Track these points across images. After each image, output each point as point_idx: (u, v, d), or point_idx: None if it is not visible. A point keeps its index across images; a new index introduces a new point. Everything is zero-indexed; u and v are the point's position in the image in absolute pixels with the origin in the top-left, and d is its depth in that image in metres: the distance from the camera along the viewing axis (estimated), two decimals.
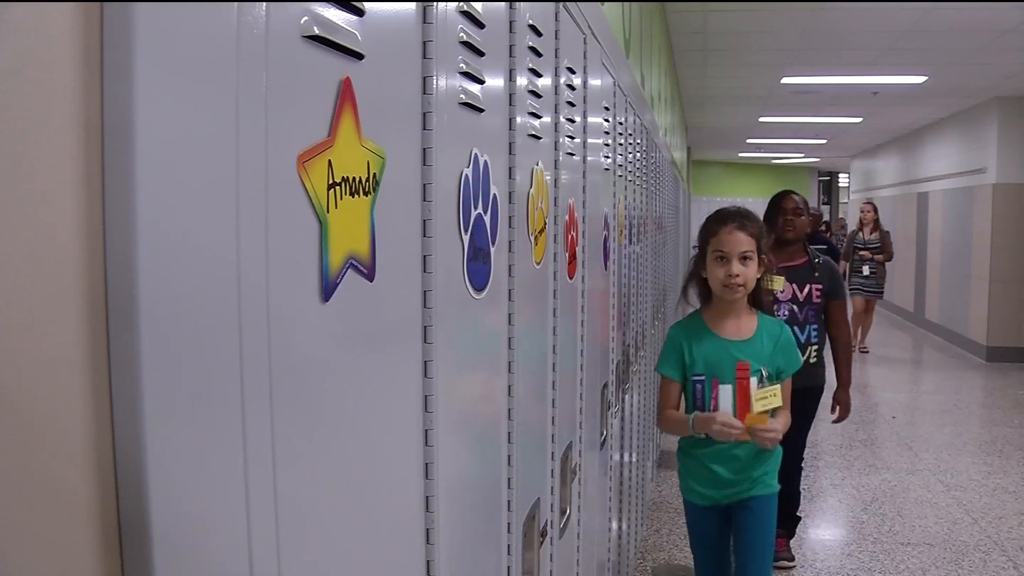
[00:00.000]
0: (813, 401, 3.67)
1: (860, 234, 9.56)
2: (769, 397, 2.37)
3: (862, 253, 9.43)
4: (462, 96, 0.95)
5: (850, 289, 9.14)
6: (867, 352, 9.55)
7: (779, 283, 3.32)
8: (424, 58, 0.84)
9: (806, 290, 3.54)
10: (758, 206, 3.50)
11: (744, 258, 2.35)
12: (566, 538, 1.69)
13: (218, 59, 0.50)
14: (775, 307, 3.15)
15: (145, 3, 0.43)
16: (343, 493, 0.68)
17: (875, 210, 9.63)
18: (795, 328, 3.32)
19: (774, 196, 3.77)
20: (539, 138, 1.38)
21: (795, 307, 3.52)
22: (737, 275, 2.34)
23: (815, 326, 3.55)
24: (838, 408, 3.82)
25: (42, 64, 0.40)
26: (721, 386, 2.38)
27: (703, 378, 2.41)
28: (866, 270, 9.41)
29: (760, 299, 2.51)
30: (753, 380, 2.37)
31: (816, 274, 3.58)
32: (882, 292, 9.65)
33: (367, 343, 0.73)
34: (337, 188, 0.63)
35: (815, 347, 3.56)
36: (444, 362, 0.89)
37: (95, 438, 0.43)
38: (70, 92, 0.41)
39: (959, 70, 7.95)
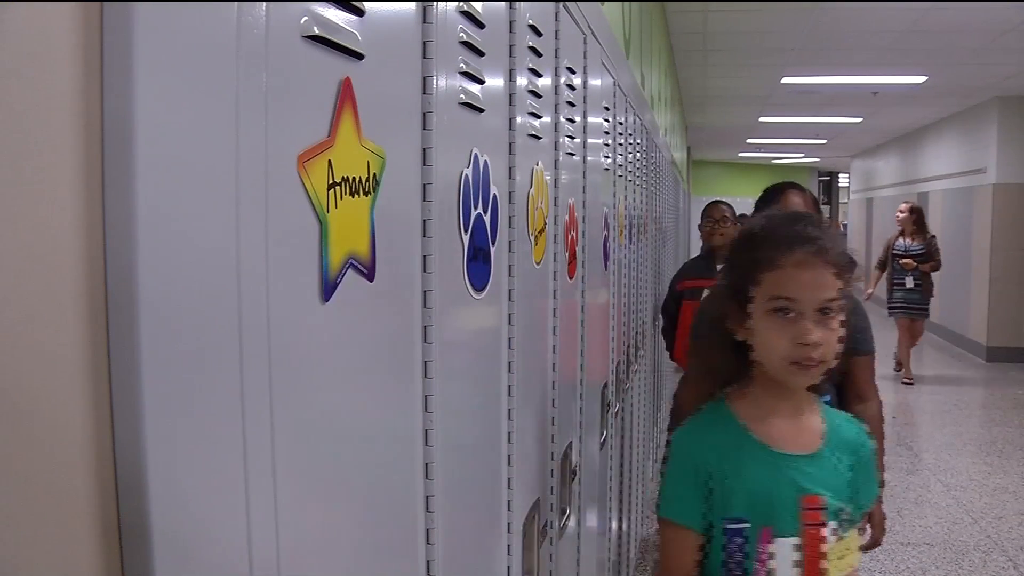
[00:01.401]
0: None
1: (901, 239, 8.02)
2: (847, 556, 1.37)
3: (904, 262, 7.85)
4: (462, 96, 0.95)
5: (890, 308, 8.08)
6: (911, 383, 8.03)
7: None
8: (424, 58, 0.84)
9: None
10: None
11: (827, 309, 1.29)
12: (566, 538, 1.69)
13: (218, 59, 0.50)
14: None
15: (145, 3, 0.43)
16: (343, 493, 0.68)
17: (913, 211, 8.07)
18: None
19: (768, 190, 2.45)
20: (539, 138, 1.38)
21: None
22: (818, 343, 1.28)
23: (827, 397, 2.13)
24: (869, 526, 2.25)
25: (42, 64, 0.40)
26: (776, 540, 1.33)
27: (745, 527, 1.33)
28: (909, 283, 7.82)
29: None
30: (829, 527, 1.34)
31: None
32: (927, 310, 8.03)
33: (367, 343, 0.73)
34: (337, 188, 0.63)
35: None
36: (444, 362, 0.89)
37: (95, 438, 0.43)
38: (70, 92, 0.41)
39: (959, 70, 7.95)
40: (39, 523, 0.40)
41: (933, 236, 8.09)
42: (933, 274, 7.98)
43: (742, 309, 1.35)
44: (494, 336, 1.16)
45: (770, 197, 2.38)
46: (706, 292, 3.68)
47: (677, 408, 2.39)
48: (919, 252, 7.88)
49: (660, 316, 4.62)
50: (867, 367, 2.30)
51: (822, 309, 1.29)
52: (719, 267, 3.63)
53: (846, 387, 2.23)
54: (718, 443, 1.37)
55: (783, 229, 1.35)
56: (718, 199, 4.28)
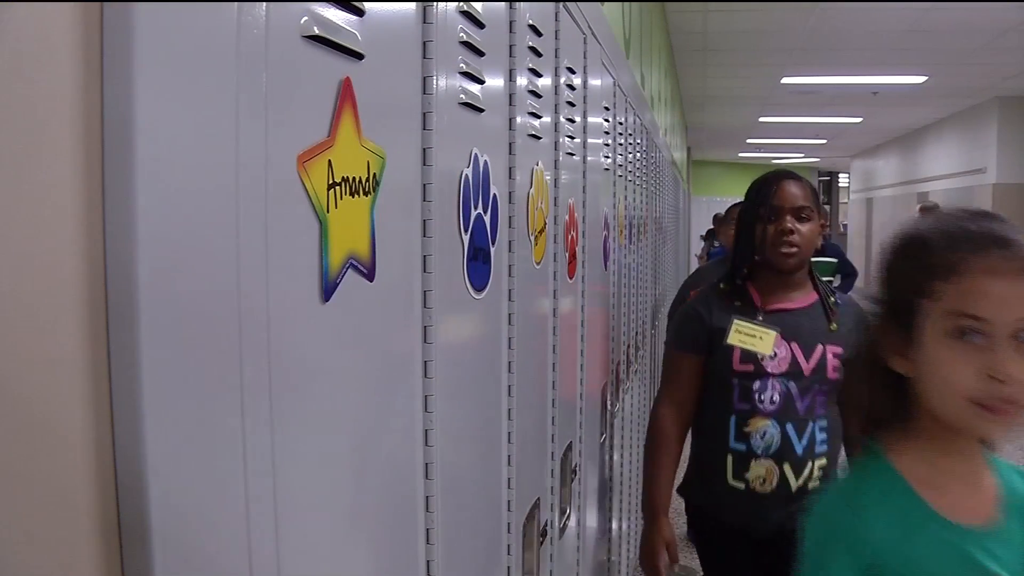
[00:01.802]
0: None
1: None
2: None
3: None
4: (462, 96, 0.95)
5: None
6: None
7: (768, 341, 1.89)
8: (424, 58, 0.84)
9: (816, 355, 1.91)
10: None
11: None
12: (566, 538, 1.69)
13: (218, 59, 0.50)
14: (754, 386, 1.89)
15: (145, 3, 0.43)
16: (343, 493, 0.68)
17: (921, 210, 7.44)
18: (788, 426, 1.87)
19: (758, 182, 2.04)
20: (539, 138, 1.38)
21: (792, 386, 1.89)
22: (1018, 380, 0.98)
23: (824, 423, 1.90)
24: None
25: (42, 64, 0.40)
26: None
27: None
28: None
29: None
30: None
31: (833, 325, 1.94)
32: None
33: (367, 343, 0.73)
34: (337, 188, 0.63)
35: (822, 463, 1.90)
36: (444, 362, 0.89)
37: (95, 438, 0.43)
38: (70, 92, 0.41)
39: (959, 70, 7.96)
40: (39, 523, 0.40)
41: None
42: None
43: (905, 332, 1.02)
44: (494, 336, 1.16)
45: (761, 190, 1.98)
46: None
47: (656, 428, 2.07)
48: None
49: (657, 320, 4.59)
50: None
51: (1022, 333, 0.97)
52: None
53: (847, 412, 1.89)
54: (884, 514, 1.02)
55: (967, 227, 1.03)
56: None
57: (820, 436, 1.89)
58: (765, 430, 1.88)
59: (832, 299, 1.98)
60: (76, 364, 0.42)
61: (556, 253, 1.55)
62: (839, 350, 1.91)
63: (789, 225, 1.92)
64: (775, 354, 1.90)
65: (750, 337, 1.90)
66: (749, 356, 1.90)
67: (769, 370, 1.89)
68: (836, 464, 1.95)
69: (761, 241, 1.94)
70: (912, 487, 1.04)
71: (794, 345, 1.91)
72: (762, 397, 1.89)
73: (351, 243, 0.66)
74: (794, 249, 1.91)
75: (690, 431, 2.12)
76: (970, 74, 8.15)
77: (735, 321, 1.93)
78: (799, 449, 1.88)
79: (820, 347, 1.91)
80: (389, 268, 0.75)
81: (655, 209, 4.61)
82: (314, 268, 0.61)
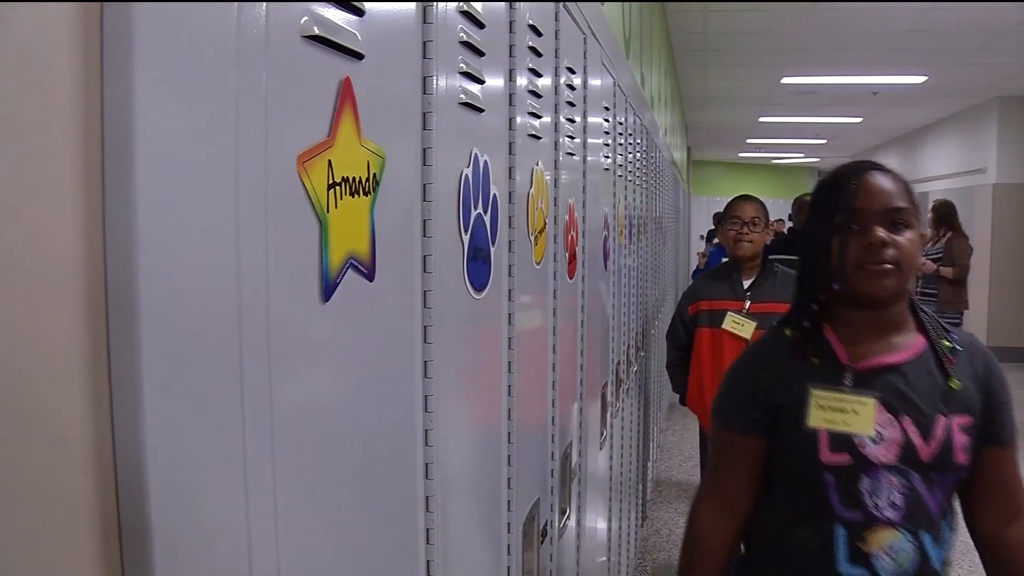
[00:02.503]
0: None
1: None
2: None
3: (921, 263, 6.40)
4: (462, 96, 0.95)
5: None
6: None
7: (866, 416, 1.31)
8: (424, 58, 0.84)
9: (939, 432, 1.31)
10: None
11: None
12: (566, 538, 1.69)
13: (218, 59, 0.50)
14: (861, 485, 1.30)
15: (145, 3, 0.43)
16: (343, 493, 0.68)
17: (932, 209, 6.91)
18: (924, 536, 1.30)
19: (827, 177, 1.42)
20: (539, 138, 1.38)
21: (916, 479, 1.30)
22: None
23: (950, 520, 1.36)
24: None
25: (42, 64, 0.40)
26: None
27: None
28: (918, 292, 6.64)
29: None
30: None
31: (953, 382, 1.33)
32: (954, 320, 6.37)
33: (367, 343, 0.73)
34: (337, 188, 0.63)
35: (950, 571, 1.38)
36: (444, 362, 0.89)
37: (95, 438, 0.43)
38: (70, 92, 0.41)
39: (959, 70, 7.96)
40: (40, 523, 0.40)
41: (949, 235, 6.73)
42: (963, 282, 6.62)
43: None
44: (494, 336, 1.16)
45: (835, 188, 1.36)
46: (729, 316, 3.01)
47: (696, 538, 1.47)
48: (937, 256, 6.67)
49: (658, 320, 4.56)
50: (1013, 462, 1.38)
51: None
52: (747, 285, 3.06)
53: (981, 498, 1.38)
54: None
55: None
56: (746, 194, 3.21)
57: (949, 537, 1.34)
58: (895, 546, 1.30)
59: (948, 344, 1.36)
60: (76, 364, 0.42)
61: (556, 253, 1.55)
62: (966, 420, 1.32)
63: (881, 234, 1.30)
64: (879, 435, 1.30)
65: (839, 413, 1.31)
66: (842, 440, 1.30)
67: (874, 459, 1.29)
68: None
69: (840, 262, 1.32)
70: None
71: (905, 420, 1.31)
72: (877, 500, 1.30)
73: (351, 243, 0.66)
74: (888, 266, 1.29)
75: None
76: (970, 74, 8.15)
77: (814, 392, 1.33)
78: (937, 563, 1.31)
79: (942, 420, 1.31)
80: (389, 268, 0.75)
81: (655, 209, 4.61)
82: (314, 268, 0.61)
